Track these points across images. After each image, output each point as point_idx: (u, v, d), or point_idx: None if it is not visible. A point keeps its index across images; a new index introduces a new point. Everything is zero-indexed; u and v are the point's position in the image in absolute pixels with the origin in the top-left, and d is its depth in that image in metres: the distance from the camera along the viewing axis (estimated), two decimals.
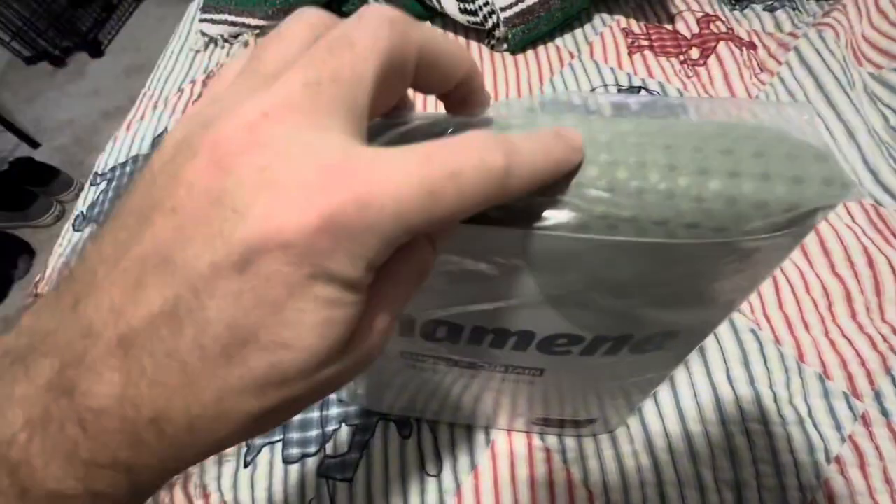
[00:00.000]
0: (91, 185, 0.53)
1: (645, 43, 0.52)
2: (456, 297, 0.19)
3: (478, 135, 0.12)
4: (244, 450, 0.35)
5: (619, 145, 0.14)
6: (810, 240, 0.37)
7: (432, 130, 0.15)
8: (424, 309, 0.20)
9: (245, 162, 0.10)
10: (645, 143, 0.14)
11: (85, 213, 0.50)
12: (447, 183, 0.11)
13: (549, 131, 0.14)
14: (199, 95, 0.57)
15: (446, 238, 0.14)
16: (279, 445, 0.34)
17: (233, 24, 0.61)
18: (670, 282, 0.16)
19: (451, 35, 0.57)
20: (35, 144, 1.41)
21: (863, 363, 0.32)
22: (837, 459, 0.30)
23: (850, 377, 0.32)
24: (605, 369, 0.22)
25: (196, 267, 0.10)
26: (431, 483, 0.32)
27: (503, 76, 0.53)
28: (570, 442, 0.32)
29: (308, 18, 0.13)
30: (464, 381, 0.26)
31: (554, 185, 0.14)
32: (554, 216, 0.14)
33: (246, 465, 0.34)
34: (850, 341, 0.33)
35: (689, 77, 0.49)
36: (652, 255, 0.15)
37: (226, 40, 0.62)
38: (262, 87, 0.11)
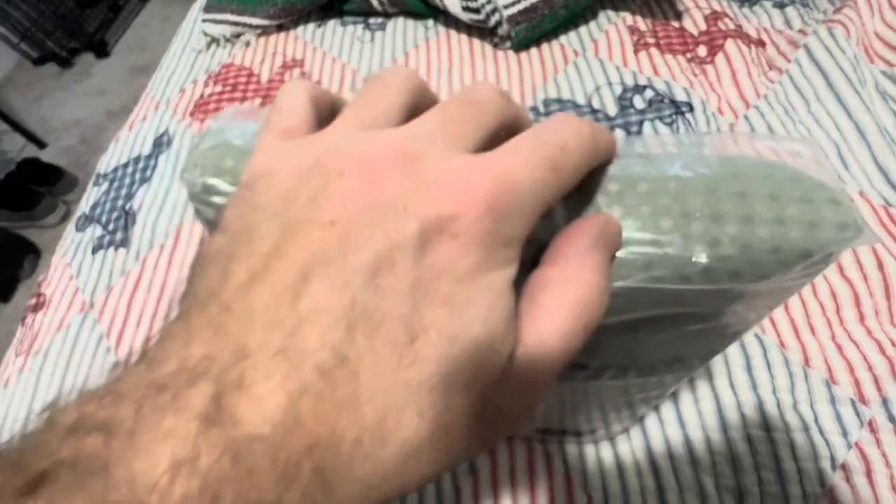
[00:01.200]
0: (93, 185, 0.53)
1: (651, 40, 0.51)
2: None
3: (561, 115, 0.14)
4: None
5: (630, 194, 0.14)
6: None
7: None
8: None
9: (399, 174, 0.11)
10: (657, 191, 0.14)
11: (87, 213, 0.50)
12: (560, 154, 0.13)
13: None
14: (202, 96, 0.57)
15: (609, 284, 0.14)
16: None
17: (235, 23, 0.61)
18: (681, 322, 0.16)
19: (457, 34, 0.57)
20: (42, 145, 1.42)
21: (870, 368, 0.32)
22: (843, 467, 0.29)
23: (856, 383, 0.31)
24: (610, 390, 0.22)
25: (370, 265, 0.10)
26: (430, 487, 0.32)
27: (506, 75, 0.52)
28: (570, 447, 0.32)
29: (408, 79, 0.15)
30: None
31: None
32: None
33: None
34: (857, 346, 0.33)
35: (695, 75, 0.48)
36: (662, 299, 0.15)
37: (228, 40, 0.62)
38: (382, 127, 0.13)
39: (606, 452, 0.31)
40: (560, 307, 0.12)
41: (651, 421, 0.32)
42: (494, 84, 0.15)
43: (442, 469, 0.11)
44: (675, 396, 0.32)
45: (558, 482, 0.31)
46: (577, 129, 0.13)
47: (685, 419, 0.31)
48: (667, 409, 0.32)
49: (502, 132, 0.14)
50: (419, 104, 0.14)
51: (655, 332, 0.17)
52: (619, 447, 0.31)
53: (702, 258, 0.14)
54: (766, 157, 0.15)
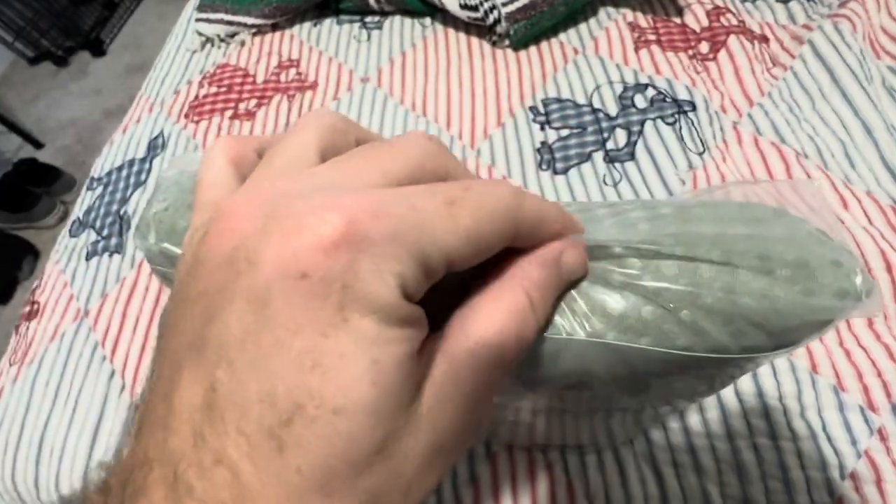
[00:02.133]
0: (87, 189, 0.52)
1: (652, 37, 0.50)
2: None
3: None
4: None
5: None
6: None
7: None
8: None
9: (248, 222, 0.10)
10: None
11: (81, 218, 0.50)
12: (461, 193, 0.11)
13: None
14: (197, 97, 0.56)
15: (546, 298, 0.13)
16: None
17: (229, 23, 0.60)
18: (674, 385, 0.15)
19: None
20: (39, 145, 1.41)
21: (879, 374, 0.31)
22: (852, 476, 0.29)
23: (865, 389, 0.31)
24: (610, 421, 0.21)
25: (223, 339, 0.09)
26: (430, 496, 0.31)
27: (505, 74, 0.51)
28: (571, 456, 0.31)
29: (320, 120, 0.14)
30: None
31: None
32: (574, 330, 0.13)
33: None
34: (866, 351, 0.32)
35: (698, 72, 0.47)
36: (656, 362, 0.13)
37: (222, 40, 0.61)
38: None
39: (609, 461, 0.31)
40: (494, 314, 0.12)
41: (655, 429, 0.31)
42: (430, 134, 0.13)
43: None
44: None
45: (560, 491, 0.30)
46: (502, 188, 0.12)
47: (690, 427, 0.31)
48: (671, 417, 0.31)
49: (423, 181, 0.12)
50: (340, 144, 0.13)
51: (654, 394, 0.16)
52: (622, 454, 0.31)
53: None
54: (757, 204, 0.13)
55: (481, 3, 0.51)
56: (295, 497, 0.09)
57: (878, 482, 0.28)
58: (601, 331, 0.13)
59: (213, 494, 0.09)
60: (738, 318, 0.12)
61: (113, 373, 0.39)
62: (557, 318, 0.13)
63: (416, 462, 0.10)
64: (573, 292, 0.13)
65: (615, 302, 0.13)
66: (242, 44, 0.61)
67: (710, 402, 0.31)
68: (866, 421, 0.30)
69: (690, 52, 0.49)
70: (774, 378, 0.32)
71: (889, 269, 0.34)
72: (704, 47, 0.49)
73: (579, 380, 0.14)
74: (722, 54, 0.48)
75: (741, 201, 0.14)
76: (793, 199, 0.13)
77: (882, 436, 0.29)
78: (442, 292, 0.12)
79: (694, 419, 0.31)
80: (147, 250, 0.16)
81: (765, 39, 0.49)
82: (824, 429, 0.30)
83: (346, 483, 0.09)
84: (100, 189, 0.51)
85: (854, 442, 0.29)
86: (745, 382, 0.32)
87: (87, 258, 0.46)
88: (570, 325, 0.13)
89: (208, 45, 0.62)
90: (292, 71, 0.57)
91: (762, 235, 0.13)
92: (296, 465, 0.09)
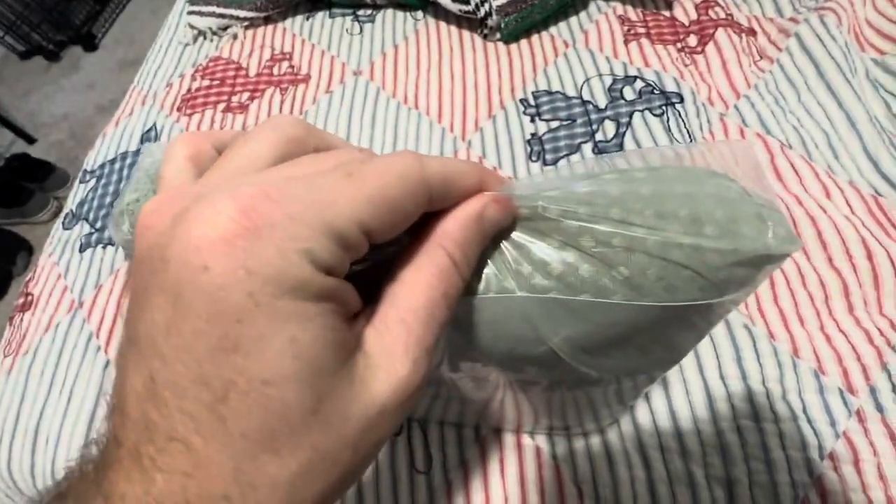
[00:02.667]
0: (80, 182, 0.52)
1: (642, 30, 0.51)
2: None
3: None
4: None
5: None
6: (807, 232, 0.36)
7: None
8: None
9: (163, 218, 0.11)
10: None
11: (74, 211, 0.50)
12: (357, 165, 0.12)
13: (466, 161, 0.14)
14: (189, 90, 0.56)
15: (468, 253, 0.14)
16: None
17: (221, 16, 0.60)
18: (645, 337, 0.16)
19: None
20: (31, 140, 1.40)
21: (858, 358, 0.32)
22: (831, 456, 0.30)
23: (845, 372, 0.32)
24: (581, 395, 0.22)
25: (151, 332, 0.10)
26: (421, 479, 0.32)
27: (496, 67, 0.52)
28: (559, 440, 0.32)
29: (274, 130, 0.14)
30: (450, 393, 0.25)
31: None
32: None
33: None
34: (846, 336, 0.33)
35: (686, 65, 0.48)
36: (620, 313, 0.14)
37: (214, 33, 0.61)
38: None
39: (596, 444, 0.31)
40: (419, 280, 0.12)
41: (641, 412, 0.32)
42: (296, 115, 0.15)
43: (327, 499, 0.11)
44: (665, 388, 0.32)
45: (548, 474, 0.31)
46: (401, 154, 0.12)
47: (676, 410, 0.32)
48: (657, 400, 0.32)
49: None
50: (295, 153, 0.14)
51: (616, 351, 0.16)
52: (609, 439, 0.31)
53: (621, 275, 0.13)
54: (693, 167, 0.14)
55: None
56: (246, 458, 0.10)
57: (856, 462, 0.29)
58: (545, 287, 0.14)
59: (173, 465, 0.10)
60: (670, 273, 0.13)
61: (108, 363, 0.39)
62: (502, 280, 0.14)
63: (357, 422, 0.11)
64: (515, 253, 0.14)
65: (555, 261, 0.14)
66: (235, 37, 0.61)
67: (695, 385, 0.32)
68: (845, 403, 0.31)
69: (679, 45, 0.50)
70: (757, 362, 0.32)
71: (870, 256, 0.35)
72: (693, 40, 0.50)
73: (531, 341, 0.14)
74: (710, 47, 0.49)
75: (680, 166, 0.14)
76: (728, 160, 0.14)
77: (860, 417, 0.30)
78: (383, 266, 0.12)
79: (680, 402, 0.32)
80: (122, 240, 0.16)
81: (752, 32, 0.49)
82: (805, 411, 0.31)
83: (290, 441, 0.10)
84: (93, 182, 0.51)
85: (833, 423, 0.30)
86: (730, 367, 0.32)
87: (81, 250, 0.46)
88: (513, 284, 0.14)
89: (200, 39, 0.62)
90: (285, 64, 0.57)
91: (695, 194, 0.13)
92: (239, 431, 0.10)
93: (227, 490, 0.10)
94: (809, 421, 0.31)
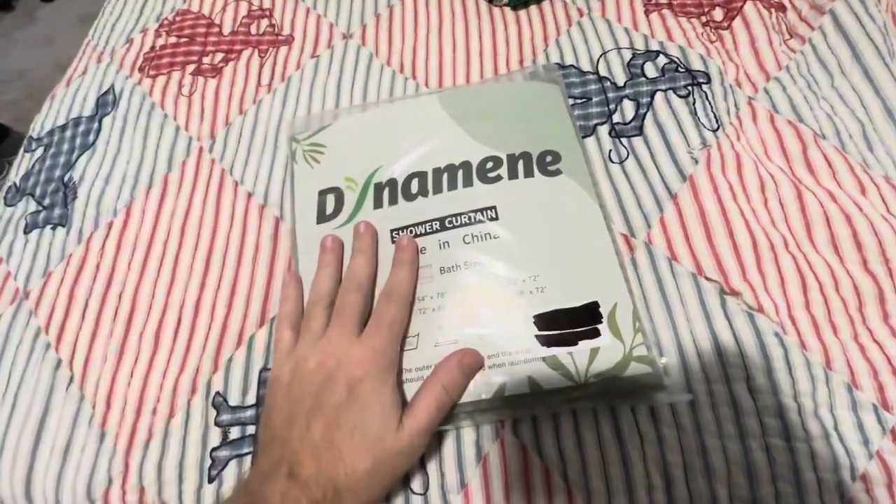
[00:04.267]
0: (25, 151, 0.45)
1: (664, 0, 0.46)
2: None
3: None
4: (208, 463, 0.31)
5: None
6: (842, 232, 0.34)
7: None
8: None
9: (332, 364, 0.28)
10: None
11: (18, 184, 0.43)
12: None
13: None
14: (153, 48, 0.50)
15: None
16: (248, 458, 0.31)
17: None
18: None
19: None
20: None
21: (895, 372, 0.30)
22: (863, 477, 0.27)
23: (880, 387, 0.29)
24: (543, 207, 0.32)
25: (323, 405, 0.26)
26: (418, 501, 0.29)
27: (503, 35, 0.47)
28: (571, 459, 0.29)
29: (360, 290, 0.31)
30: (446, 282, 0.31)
31: None
32: None
33: (210, 481, 0.30)
34: (880, 346, 0.30)
35: (712, 41, 0.44)
36: None
37: None
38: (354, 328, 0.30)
39: (615, 464, 0.28)
40: (425, 402, 0.27)
41: (666, 427, 0.29)
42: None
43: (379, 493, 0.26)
44: (692, 404, 0.29)
45: (559, 501, 0.28)
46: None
47: (702, 425, 0.29)
48: (683, 414, 0.29)
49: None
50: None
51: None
52: (631, 457, 0.29)
53: None
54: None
55: None
56: (360, 447, 0.25)
57: (890, 485, 0.27)
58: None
59: (317, 471, 0.24)
60: None
61: (59, 363, 0.34)
62: None
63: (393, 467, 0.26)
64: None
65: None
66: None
67: (722, 399, 0.29)
68: (879, 420, 0.29)
69: (704, 18, 0.45)
70: (790, 374, 0.30)
71: None
72: (718, 14, 0.45)
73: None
74: (737, 22, 0.45)
75: None
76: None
77: (895, 436, 0.28)
78: None
79: (707, 417, 0.29)
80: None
81: (782, 7, 0.45)
82: (836, 427, 0.29)
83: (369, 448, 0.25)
84: (40, 151, 0.45)
85: (866, 442, 0.28)
86: (760, 379, 0.30)
87: (26, 231, 0.41)
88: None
89: None
90: (264, 22, 0.51)
91: None
92: (357, 443, 0.25)
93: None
94: (841, 439, 0.28)
